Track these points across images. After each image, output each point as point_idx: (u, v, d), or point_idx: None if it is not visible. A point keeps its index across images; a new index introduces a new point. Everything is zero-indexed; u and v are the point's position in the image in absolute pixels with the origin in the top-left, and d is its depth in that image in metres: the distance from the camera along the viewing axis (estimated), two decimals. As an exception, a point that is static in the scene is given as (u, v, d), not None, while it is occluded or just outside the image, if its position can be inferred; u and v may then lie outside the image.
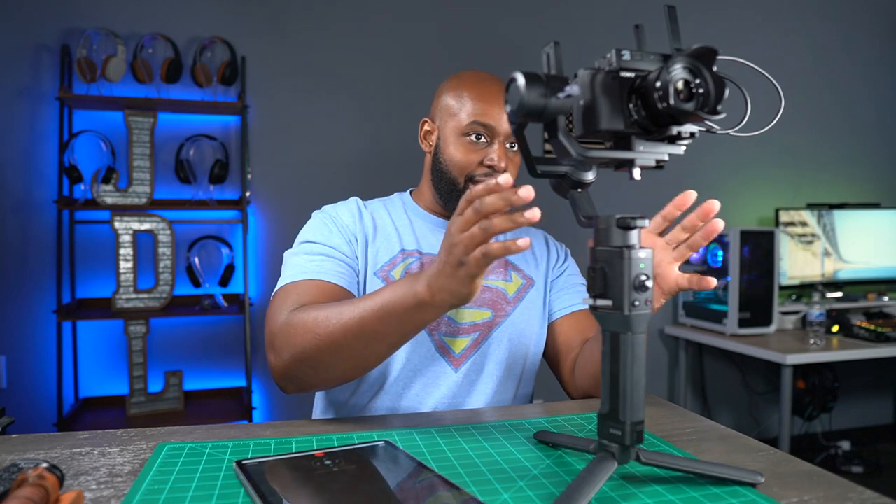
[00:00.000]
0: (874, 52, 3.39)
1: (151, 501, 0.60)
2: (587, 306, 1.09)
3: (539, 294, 1.14)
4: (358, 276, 1.03)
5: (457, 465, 0.70)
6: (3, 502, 0.50)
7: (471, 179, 1.04)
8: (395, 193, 1.19)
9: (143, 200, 2.33)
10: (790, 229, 2.96)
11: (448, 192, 1.07)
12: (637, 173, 0.61)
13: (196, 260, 2.46)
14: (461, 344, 1.05)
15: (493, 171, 1.03)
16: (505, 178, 0.61)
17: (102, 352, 2.45)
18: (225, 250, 2.48)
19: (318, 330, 0.81)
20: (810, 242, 3.00)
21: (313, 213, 1.08)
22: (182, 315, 2.38)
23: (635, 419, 0.60)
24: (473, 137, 1.04)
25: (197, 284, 2.45)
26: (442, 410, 0.99)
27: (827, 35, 3.32)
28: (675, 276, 0.83)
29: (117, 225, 2.29)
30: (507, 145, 1.05)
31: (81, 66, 2.28)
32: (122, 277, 2.30)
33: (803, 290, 3.07)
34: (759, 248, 2.61)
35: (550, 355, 1.15)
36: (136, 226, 2.31)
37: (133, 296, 2.32)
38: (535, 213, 0.59)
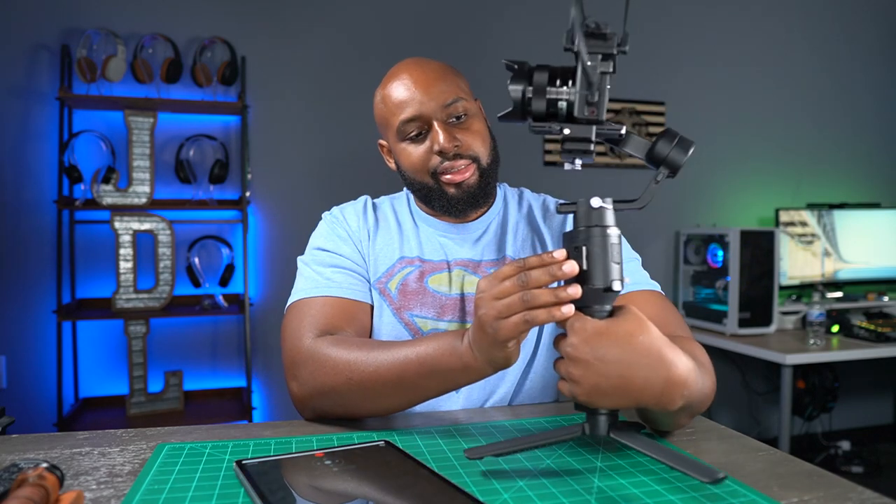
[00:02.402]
0: (875, 52, 3.39)
1: (151, 501, 0.60)
2: (646, 288, 0.96)
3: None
4: (369, 284, 1.00)
5: (457, 465, 0.69)
6: (3, 502, 0.50)
7: (435, 174, 0.97)
8: (405, 189, 1.12)
9: (143, 200, 2.33)
10: (790, 229, 2.96)
11: (426, 197, 1.01)
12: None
13: (196, 260, 2.46)
14: None
15: (444, 155, 0.95)
16: (560, 252, 0.65)
17: (102, 352, 2.45)
18: (225, 250, 2.48)
19: (350, 374, 0.80)
20: (810, 242, 3.00)
21: (323, 216, 1.06)
22: (182, 315, 2.38)
23: None
24: (413, 136, 0.97)
25: (197, 284, 2.44)
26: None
27: (828, 34, 3.32)
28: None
29: (117, 225, 2.29)
30: (454, 119, 0.96)
31: (81, 66, 2.28)
32: (122, 277, 2.30)
33: (803, 290, 3.07)
34: (759, 248, 2.61)
35: None
36: (136, 226, 2.31)
37: (133, 296, 2.31)
38: (577, 290, 0.63)
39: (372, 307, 0.99)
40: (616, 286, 0.64)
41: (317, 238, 1.02)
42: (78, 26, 2.37)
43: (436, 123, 0.95)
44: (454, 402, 0.98)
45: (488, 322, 0.66)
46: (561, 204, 0.68)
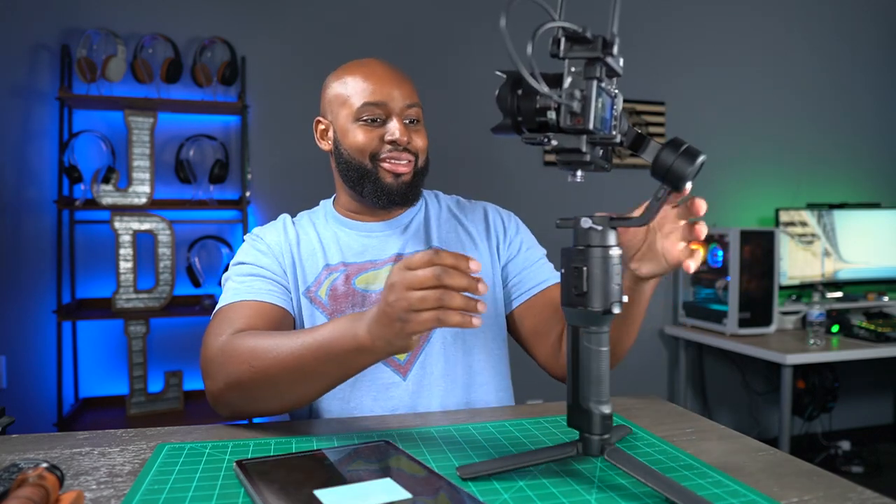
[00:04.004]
0: (875, 52, 3.39)
1: (151, 501, 0.60)
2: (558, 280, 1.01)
3: (485, 282, 1.05)
4: (291, 294, 1.01)
5: (457, 464, 0.69)
6: (3, 502, 0.50)
7: (375, 159, 1.01)
8: (321, 202, 1.18)
9: (143, 200, 2.33)
10: (790, 229, 2.96)
11: (358, 179, 1.03)
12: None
13: (196, 260, 2.46)
14: None
15: (395, 145, 1.00)
16: (476, 264, 0.65)
17: (102, 352, 2.45)
18: (225, 250, 2.48)
19: (253, 362, 0.80)
20: (810, 242, 3.00)
21: (245, 237, 1.09)
22: (182, 315, 2.38)
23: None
24: (369, 120, 1.01)
25: (197, 284, 2.45)
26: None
27: (828, 34, 3.32)
28: (677, 251, 0.75)
29: (117, 225, 2.29)
30: (407, 121, 1.03)
31: (81, 66, 2.28)
32: (122, 277, 2.30)
33: (803, 290, 3.07)
34: (759, 248, 2.61)
35: (526, 337, 1.08)
36: (135, 226, 2.31)
37: (133, 296, 2.32)
38: (485, 307, 0.65)
39: (294, 318, 1.00)
40: (615, 309, 0.62)
41: (238, 256, 1.05)
42: (78, 26, 2.37)
43: (395, 117, 1.01)
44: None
45: (397, 312, 0.65)
46: (560, 219, 0.66)
